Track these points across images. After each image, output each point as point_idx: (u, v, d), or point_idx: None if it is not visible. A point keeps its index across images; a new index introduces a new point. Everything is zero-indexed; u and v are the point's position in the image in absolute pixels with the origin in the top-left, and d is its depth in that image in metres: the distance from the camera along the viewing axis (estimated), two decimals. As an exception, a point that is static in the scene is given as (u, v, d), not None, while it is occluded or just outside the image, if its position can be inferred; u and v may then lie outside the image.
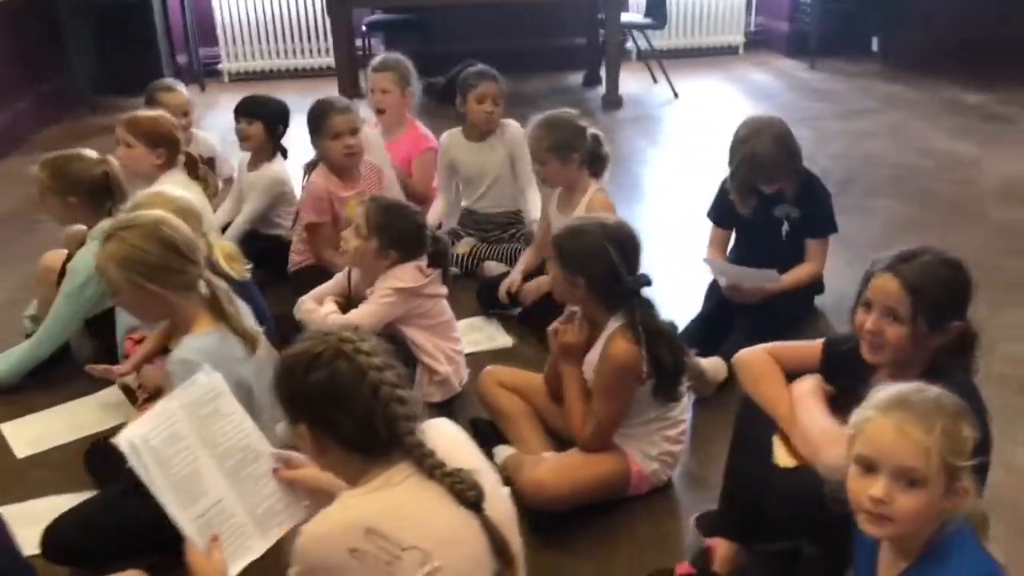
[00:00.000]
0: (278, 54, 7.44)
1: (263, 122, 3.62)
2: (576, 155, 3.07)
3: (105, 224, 2.70)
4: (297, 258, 3.43)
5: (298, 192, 3.59)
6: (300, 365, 1.49)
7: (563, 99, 6.61)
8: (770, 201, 3.08)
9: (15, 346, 2.97)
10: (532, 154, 3.15)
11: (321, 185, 3.25)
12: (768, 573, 1.94)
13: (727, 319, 3.02)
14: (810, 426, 1.82)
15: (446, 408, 2.66)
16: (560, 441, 2.42)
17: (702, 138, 5.43)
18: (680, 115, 6.13)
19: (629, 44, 7.16)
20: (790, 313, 3.03)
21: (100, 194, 2.89)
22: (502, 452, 2.42)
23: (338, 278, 2.83)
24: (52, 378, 2.95)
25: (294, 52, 7.46)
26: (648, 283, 2.18)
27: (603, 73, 6.33)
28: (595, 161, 3.11)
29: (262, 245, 3.49)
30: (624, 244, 2.18)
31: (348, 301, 2.75)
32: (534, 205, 3.66)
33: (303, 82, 7.07)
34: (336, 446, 1.48)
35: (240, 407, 1.81)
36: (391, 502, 1.43)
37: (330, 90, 5.96)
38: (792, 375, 1.98)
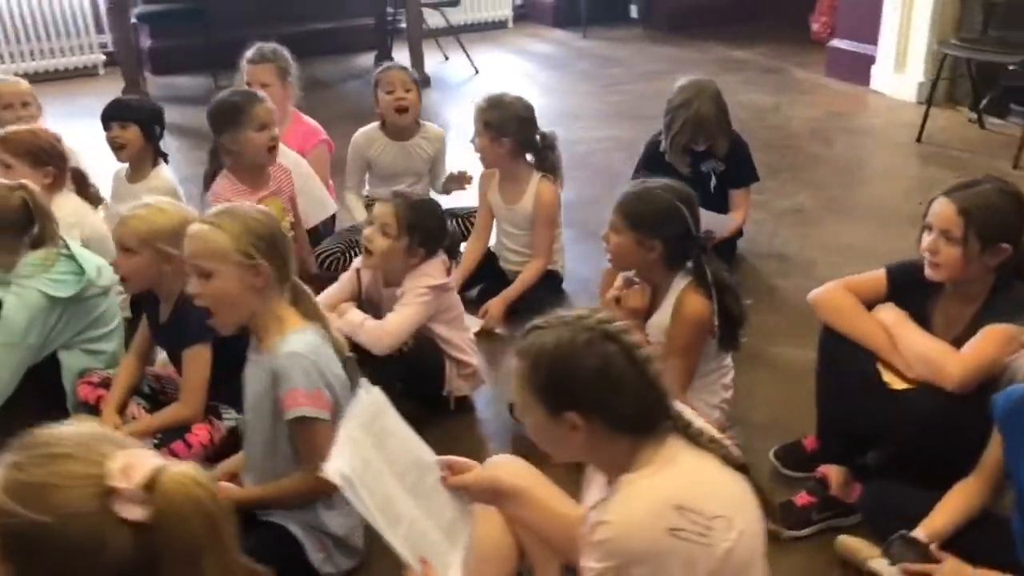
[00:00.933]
0: (32, 55, 6.58)
1: (139, 125, 3.25)
2: (506, 140, 3.08)
3: (33, 258, 2.34)
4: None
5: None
6: (569, 354, 1.43)
7: (361, 82, 6.49)
8: (698, 157, 3.28)
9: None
10: (475, 124, 3.11)
11: (227, 193, 2.95)
12: (888, 486, 2.10)
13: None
14: (921, 348, 2.01)
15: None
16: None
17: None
18: (488, 89, 6.19)
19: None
20: (725, 258, 3.25)
21: (19, 227, 2.48)
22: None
23: (345, 282, 2.65)
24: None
25: (50, 52, 6.62)
26: (713, 237, 2.27)
27: (396, 54, 6.26)
28: (540, 157, 3.15)
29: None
30: (689, 201, 2.25)
31: (359, 304, 2.58)
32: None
33: (62, 85, 6.35)
34: (608, 430, 1.44)
35: (400, 418, 1.69)
36: (686, 475, 1.43)
37: (100, 92, 5.48)
38: (865, 305, 2.16)
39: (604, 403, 1.43)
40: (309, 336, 1.92)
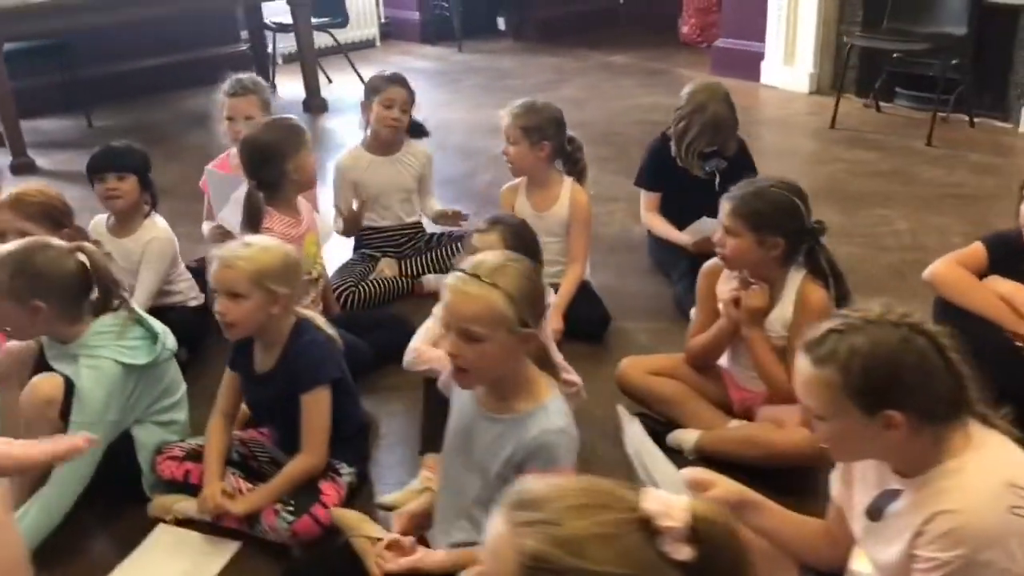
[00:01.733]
0: None
1: (137, 174, 2.94)
2: (547, 144, 3.06)
3: (102, 325, 2.10)
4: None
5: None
6: (888, 353, 1.44)
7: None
8: (704, 157, 3.36)
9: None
10: (504, 132, 3.06)
11: (281, 228, 2.77)
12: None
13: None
14: None
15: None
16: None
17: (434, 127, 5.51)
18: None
19: (270, 48, 6.86)
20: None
21: (79, 294, 2.20)
22: (684, 435, 2.41)
23: (439, 316, 2.49)
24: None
25: None
26: (825, 228, 2.34)
27: (278, 80, 6.03)
28: (568, 162, 3.12)
29: (166, 322, 2.83)
30: (800, 193, 2.30)
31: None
32: (438, 206, 3.57)
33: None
34: (921, 423, 1.46)
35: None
36: (1005, 454, 1.48)
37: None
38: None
39: (922, 396, 1.44)
40: (564, 405, 1.82)
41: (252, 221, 2.74)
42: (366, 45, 7.83)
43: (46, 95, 5.99)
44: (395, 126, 3.37)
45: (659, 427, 2.43)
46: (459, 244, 3.38)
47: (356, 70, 6.47)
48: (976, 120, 4.99)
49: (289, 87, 6.57)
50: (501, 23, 8.00)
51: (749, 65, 6.04)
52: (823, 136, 5.03)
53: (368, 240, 3.49)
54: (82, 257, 2.19)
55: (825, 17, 5.61)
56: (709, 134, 3.22)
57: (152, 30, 6.07)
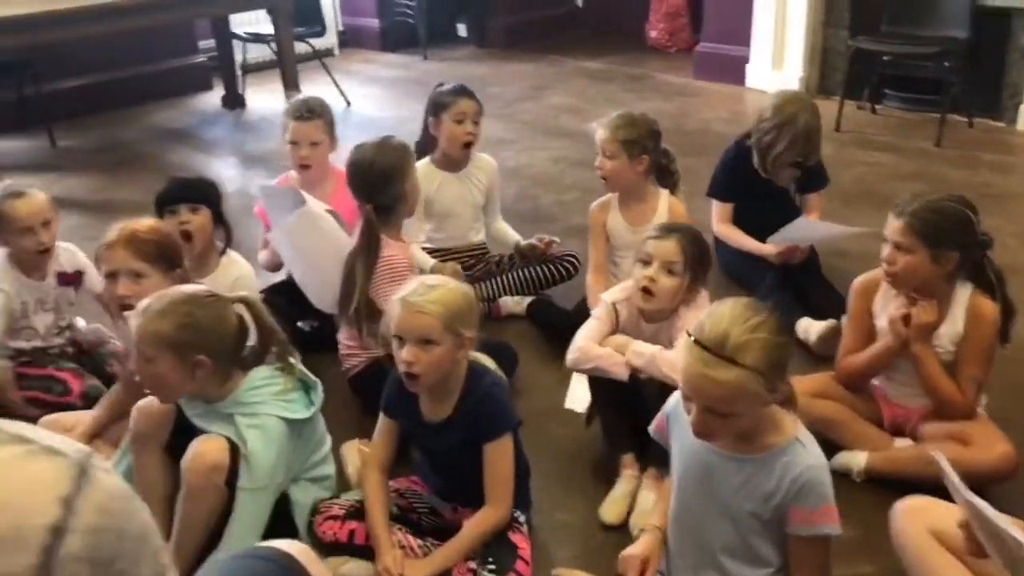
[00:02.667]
0: None
1: (210, 206, 2.71)
2: (646, 158, 2.96)
3: (260, 379, 1.91)
4: (354, 360, 2.68)
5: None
6: None
7: (221, 126, 5.91)
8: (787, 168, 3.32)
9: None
10: (600, 144, 2.96)
11: (404, 256, 2.60)
12: None
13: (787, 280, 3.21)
14: None
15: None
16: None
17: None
18: (376, 119, 5.86)
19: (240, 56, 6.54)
20: (814, 268, 3.32)
21: (236, 348, 1.99)
22: (851, 457, 2.35)
23: (602, 317, 2.37)
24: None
25: None
26: (992, 240, 2.31)
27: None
28: (663, 174, 3.03)
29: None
30: (971, 204, 2.27)
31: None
32: (510, 233, 3.43)
33: None
34: None
35: None
36: None
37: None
38: None
39: None
40: (810, 435, 1.73)
41: (371, 250, 2.55)
42: (326, 54, 7.52)
43: (6, 113, 5.55)
44: (471, 141, 3.21)
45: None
46: (557, 265, 3.25)
47: (334, 78, 6.22)
48: (974, 120, 5.13)
49: (257, 98, 6.28)
50: (462, 29, 7.84)
51: (733, 69, 6.07)
52: (832, 139, 5.05)
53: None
54: (241, 309, 1.98)
55: (813, 21, 5.68)
56: (800, 145, 3.17)
57: (106, 44, 5.67)
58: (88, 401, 2.67)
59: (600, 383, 2.34)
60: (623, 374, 2.27)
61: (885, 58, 5.20)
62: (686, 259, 2.29)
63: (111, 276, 2.24)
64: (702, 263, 2.34)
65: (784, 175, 3.26)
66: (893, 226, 2.27)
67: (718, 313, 1.63)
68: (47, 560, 0.59)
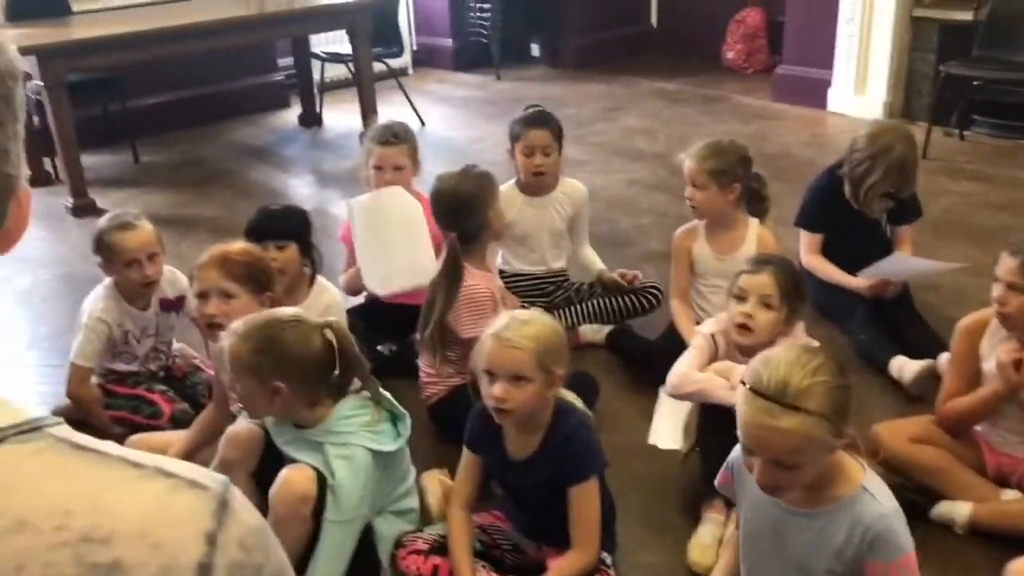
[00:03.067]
0: None
1: (298, 241, 2.70)
2: (737, 186, 2.89)
3: (349, 409, 1.88)
4: (433, 388, 2.66)
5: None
6: None
7: (298, 144, 5.98)
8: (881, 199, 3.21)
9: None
10: (689, 175, 2.89)
11: (487, 286, 2.57)
12: None
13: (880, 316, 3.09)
14: None
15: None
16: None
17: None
18: (450, 140, 5.87)
19: (317, 76, 6.62)
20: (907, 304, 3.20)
21: (324, 374, 1.96)
22: (954, 508, 2.24)
23: (702, 349, 2.30)
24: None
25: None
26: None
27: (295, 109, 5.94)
28: (753, 200, 2.95)
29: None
30: None
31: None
32: (595, 261, 3.38)
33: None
34: None
35: None
36: None
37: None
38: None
39: None
40: (881, 481, 1.66)
41: (453, 277, 2.52)
42: (400, 73, 7.59)
43: (87, 130, 5.69)
44: (541, 172, 3.18)
45: (919, 498, 2.25)
46: (639, 297, 3.19)
47: (409, 98, 6.24)
48: (1068, 149, 4.94)
49: (334, 117, 6.34)
50: (535, 49, 7.83)
51: (814, 92, 5.94)
52: (919, 167, 4.90)
53: (513, 287, 3.27)
54: (329, 335, 1.96)
55: (899, 44, 5.53)
56: (894, 177, 3.06)
57: (189, 62, 5.80)
58: (176, 425, 2.69)
59: (710, 412, 2.26)
60: (728, 397, 2.19)
61: (975, 83, 5.04)
62: (782, 291, 2.22)
63: (202, 296, 2.26)
64: (798, 294, 2.27)
65: (876, 206, 3.15)
66: (1007, 265, 2.17)
67: (773, 360, 1.57)
68: None
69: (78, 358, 2.71)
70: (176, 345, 3.04)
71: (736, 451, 1.82)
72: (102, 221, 2.81)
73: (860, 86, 5.73)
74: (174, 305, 2.87)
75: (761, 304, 2.23)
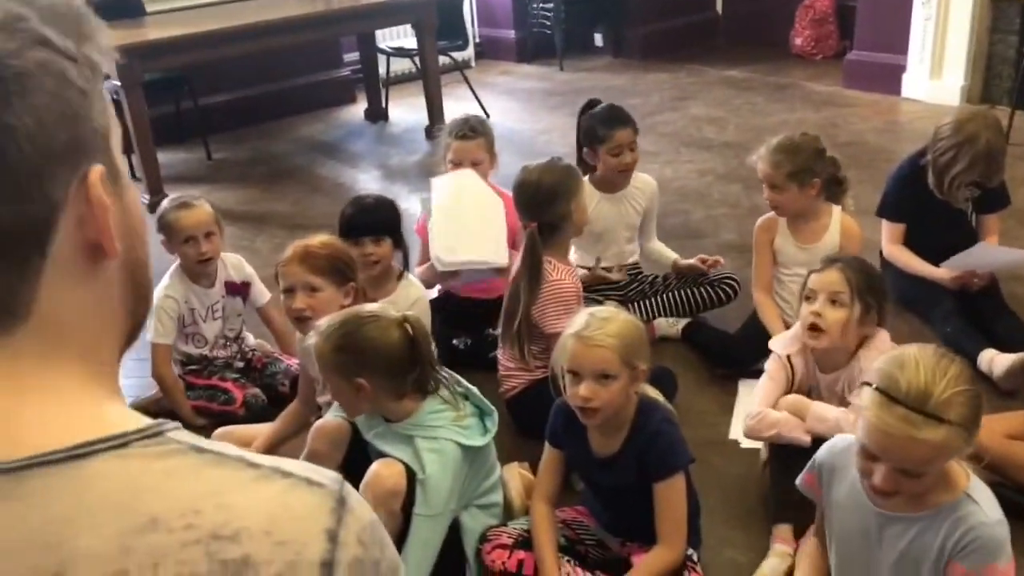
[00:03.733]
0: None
1: (393, 236, 2.72)
2: (817, 180, 2.83)
3: (438, 404, 1.89)
4: (513, 381, 2.66)
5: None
6: None
7: (365, 139, 6.02)
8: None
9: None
10: (766, 179, 2.83)
11: (572, 281, 2.57)
12: None
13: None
14: None
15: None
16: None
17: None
18: (515, 132, 5.86)
19: (382, 70, 6.66)
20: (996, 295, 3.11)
21: (405, 368, 1.97)
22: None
23: (776, 373, 2.26)
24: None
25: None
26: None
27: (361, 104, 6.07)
28: (831, 184, 2.88)
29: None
30: None
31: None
32: (665, 252, 3.36)
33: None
34: None
35: None
36: None
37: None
38: None
39: None
40: (988, 489, 1.61)
41: (534, 268, 2.52)
42: (464, 66, 7.60)
43: (161, 128, 5.81)
44: (629, 169, 3.16)
45: (1017, 497, 2.18)
46: (715, 288, 3.15)
47: (474, 91, 6.25)
48: None
49: (399, 111, 6.38)
50: (598, 39, 7.78)
51: (887, 78, 5.80)
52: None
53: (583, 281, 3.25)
54: (408, 328, 1.97)
55: (978, 26, 5.36)
56: (981, 166, 2.96)
57: (258, 59, 5.88)
58: (248, 410, 2.77)
59: (778, 448, 2.24)
60: (805, 440, 2.16)
61: (1059, 65, 4.87)
62: (852, 288, 2.16)
63: (288, 292, 2.29)
64: (872, 292, 2.20)
65: (961, 196, 3.06)
66: None
67: (908, 364, 1.50)
68: None
69: (155, 337, 2.83)
70: (254, 341, 3.11)
71: (823, 451, 1.77)
72: (165, 202, 2.95)
73: (936, 70, 5.58)
74: (239, 289, 2.97)
75: (830, 302, 2.18)
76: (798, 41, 7.03)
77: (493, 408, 2.09)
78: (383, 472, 1.91)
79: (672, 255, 3.31)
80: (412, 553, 1.91)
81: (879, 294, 2.23)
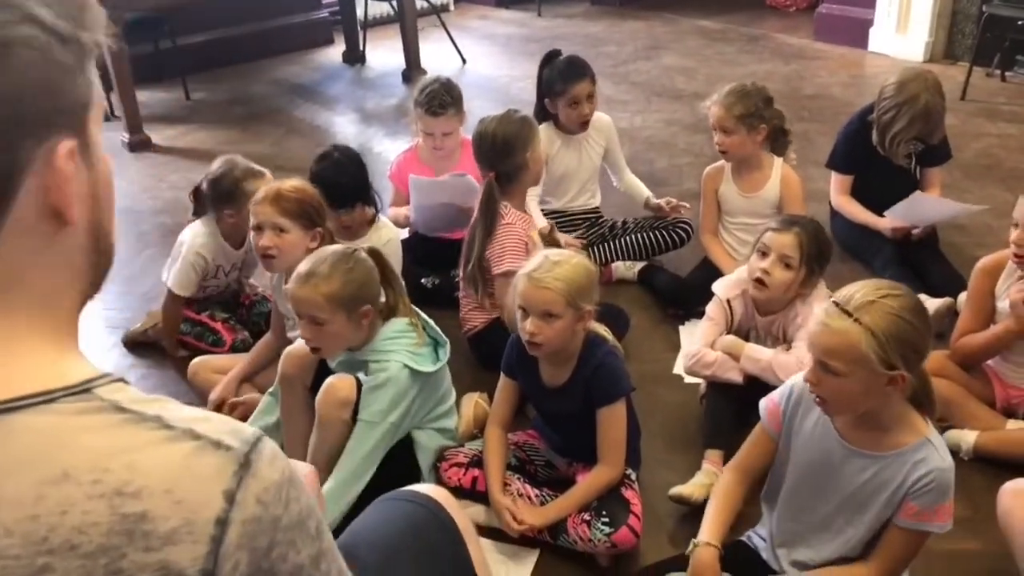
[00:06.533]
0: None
1: (362, 199, 2.83)
2: (764, 127, 2.99)
3: (392, 330, 2.15)
4: (473, 320, 2.83)
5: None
6: None
7: (342, 82, 6.09)
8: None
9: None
10: (717, 121, 3.00)
11: (524, 227, 2.72)
12: None
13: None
14: None
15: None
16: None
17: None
18: (492, 78, 5.95)
19: (360, 12, 6.70)
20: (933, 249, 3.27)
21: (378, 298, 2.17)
22: (961, 436, 2.37)
23: (716, 314, 2.45)
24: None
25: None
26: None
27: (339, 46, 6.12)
28: (778, 137, 3.04)
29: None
30: None
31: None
32: (640, 187, 3.51)
33: None
34: None
35: None
36: None
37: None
38: None
39: None
40: (942, 441, 1.76)
41: (489, 215, 2.68)
42: (442, 9, 7.65)
43: (139, 67, 5.86)
44: (587, 119, 3.30)
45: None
46: (667, 232, 3.31)
47: (451, 36, 6.32)
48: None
49: (377, 55, 6.44)
50: (576, -15, 7.83)
51: (855, 32, 5.93)
52: (957, 108, 4.90)
53: (549, 225, 3.42)
54: (378, 258, 2.15)
55: (942, -16, 5.49)
56: (919, 125, 3.13)
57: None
58: (234, 352, 2.88)
59: (714, 384, 2.44)
60: (738, 379, 2.37)
61: (1020, 23, 5.00)
62: (803, 254, 2.33)
63: (257, 229, 2.42)
64: (819, 259, 2.37)
65: (903, 152, 3.23)
66: None
67: (863, 282, 1.69)
68: (215, 549, 0.65)
69: (176, 287, 2.88)
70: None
71: (793, 381, 1.89)
72: (224, 169, 2.88)
73: (902, 26, 5.71)
74: None
75: (781, 263, 2.34)
76: (773, -8, 7.12)
77: (447, 340, 2.26)
78: (336, 383, 2.11)
79: (646, 192, 3.47)
80: (350, 455, 2.09)
81: (824, 260, 2.39)
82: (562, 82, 3.26)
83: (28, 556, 0.62)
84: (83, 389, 0.68)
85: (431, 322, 2.27)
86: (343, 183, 2.77)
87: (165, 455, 0.66)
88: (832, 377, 1.65)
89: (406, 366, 2.13)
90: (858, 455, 1.76)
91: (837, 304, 1.64)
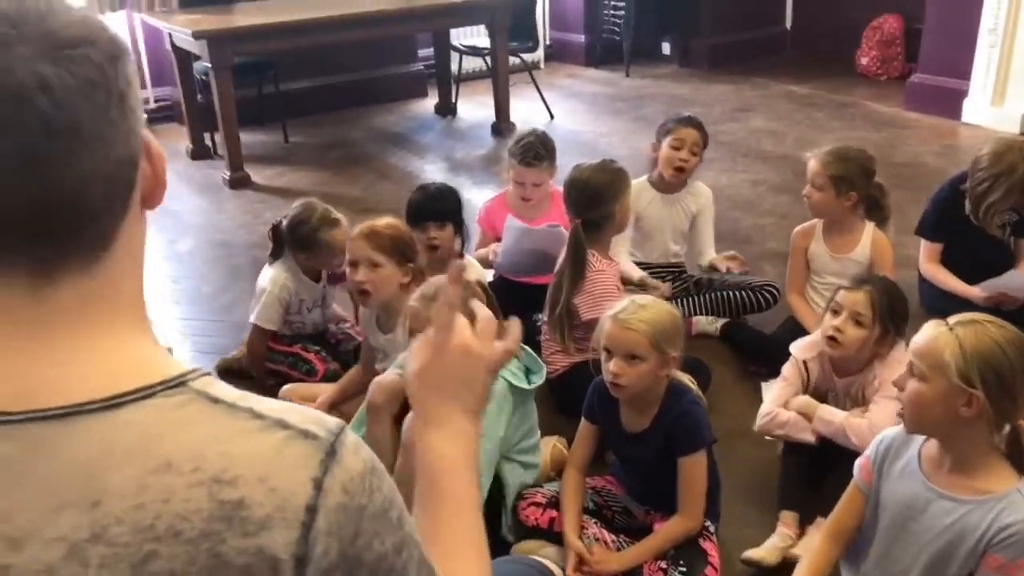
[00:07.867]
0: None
1: (454, 221, 2.95)
2: (853, 194, 2.99)
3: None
4: (556, 364, 2.87)
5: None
6: None
7: (434, 132, 6.27)
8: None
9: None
10: (810, 176, 3.03)
11: (613, 273, 2.78)
12: None
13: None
14: None
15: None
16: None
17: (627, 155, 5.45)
18: (577, 134, 6.06)
19: (454, 66, 6.91)
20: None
21: None
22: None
23: (790, 374, 2.45)
24: None
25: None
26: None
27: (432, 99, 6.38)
28: (873, 208, 3.05)
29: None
30: None
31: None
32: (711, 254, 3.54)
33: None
34: None
35: None
36: None
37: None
38: None
39: None
40: None
41: (577, 261, 2.74)
42: (533, 67, 7.82)
43: (243, 109, 6.14)
44: (682, 167, 3.35)
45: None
46: (755, 292, 3.31)
47: (540, 92, 6.47)
48: None
49: (468, 108, 6.62)
50: (666, 48, 7.94)
51: (948, 102, 5.87)
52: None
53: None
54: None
55: (1043, 56, 5.42)
56: (1016, 196, 3.10)
57: (337, 50, 6.18)
58: (324, 382, 2.97)
59: (790, 444, 2.43)
60: (811, 439, 2.37)
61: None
62: (875, 311, 2.33)
63: (353, 265, 2.53)
64: (894, 316, 2.35)
65: (997, 222, 3.19)
66: None
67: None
68: (305, 534, 0.68)
69: (261, 321, 3.02)
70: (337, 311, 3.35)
71: (891, 433, 1.89)
72: (302, 216, 3.00)
73: (998, 97, 5.64)
74: (340, 278, 3.16)
75: (852, 320, 2.34)
76: (864, 61, 7.11)
77: (542, 365, 2.31)
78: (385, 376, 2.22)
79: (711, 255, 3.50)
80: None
81: (900, 318, 2.38)
82: (674, 123, 3.35)
83: (136, 543, 0.65)
84: (179, 383, 0.71)
85: (527, 348, 2.32)
86: (440, 198, 2.94)
87: (258, 444, 0.69)
88: (915, 381, 1.69)
89: (505, 379, 2.18)
90: (943, 498, 1.75)
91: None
